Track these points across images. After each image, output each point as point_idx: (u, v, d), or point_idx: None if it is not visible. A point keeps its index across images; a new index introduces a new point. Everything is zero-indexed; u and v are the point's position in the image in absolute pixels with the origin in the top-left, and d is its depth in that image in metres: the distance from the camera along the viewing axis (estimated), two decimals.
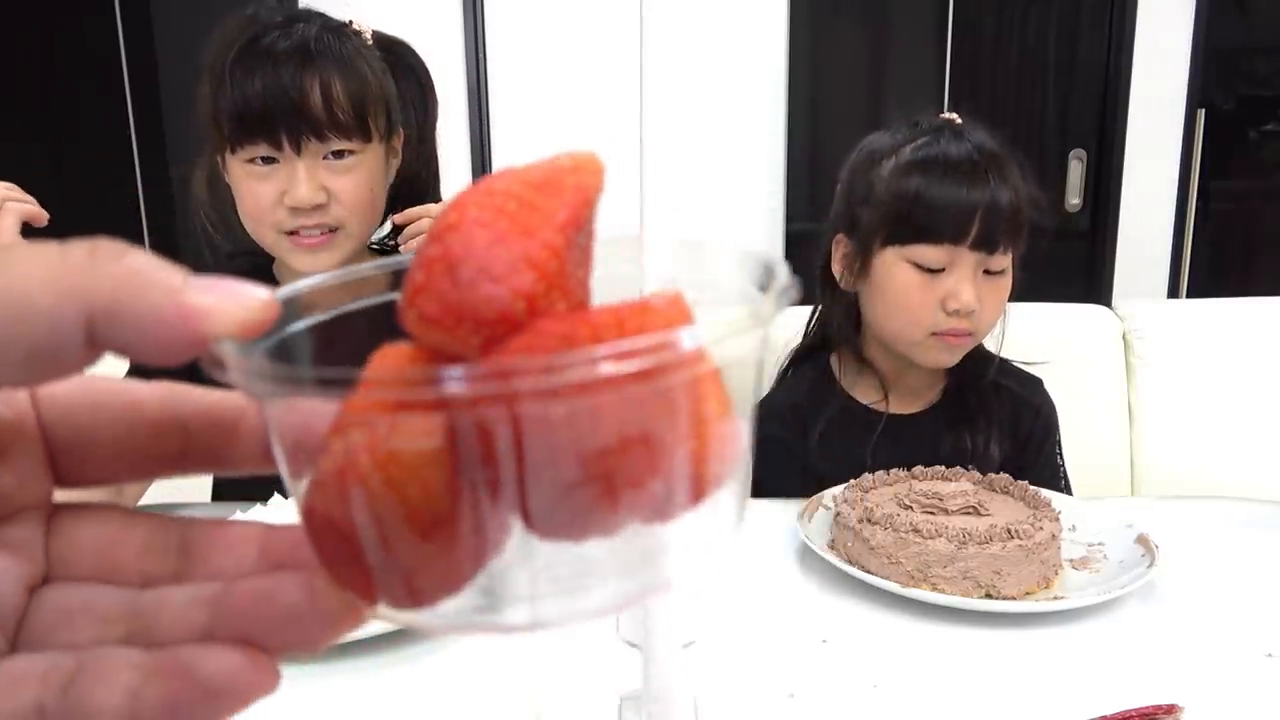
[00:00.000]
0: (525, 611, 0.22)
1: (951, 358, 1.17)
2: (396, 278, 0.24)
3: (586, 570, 0.22)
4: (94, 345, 0.20)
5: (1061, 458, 1.27)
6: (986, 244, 1.10)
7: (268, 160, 1.05)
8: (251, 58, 1.03)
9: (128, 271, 0.20)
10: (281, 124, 1.02)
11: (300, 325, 0.23)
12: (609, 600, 0.22)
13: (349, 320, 0.24)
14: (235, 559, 0.23)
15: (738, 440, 0.22)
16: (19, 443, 0.23)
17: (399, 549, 0.20)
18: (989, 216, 1.09)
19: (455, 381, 0.18)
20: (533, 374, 0.18)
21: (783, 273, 0.23)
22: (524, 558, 0.21)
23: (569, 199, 0.21)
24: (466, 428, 0.19)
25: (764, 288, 0.23)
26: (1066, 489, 1.25)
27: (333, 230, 1.08)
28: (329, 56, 1.05)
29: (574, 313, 0.21)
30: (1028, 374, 1.29)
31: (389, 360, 0.21)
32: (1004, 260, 1.13)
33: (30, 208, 0.99)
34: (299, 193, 1.04)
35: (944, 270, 1.12)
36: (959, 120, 1.18)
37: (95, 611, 0.22)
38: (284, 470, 0.22)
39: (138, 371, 0.21)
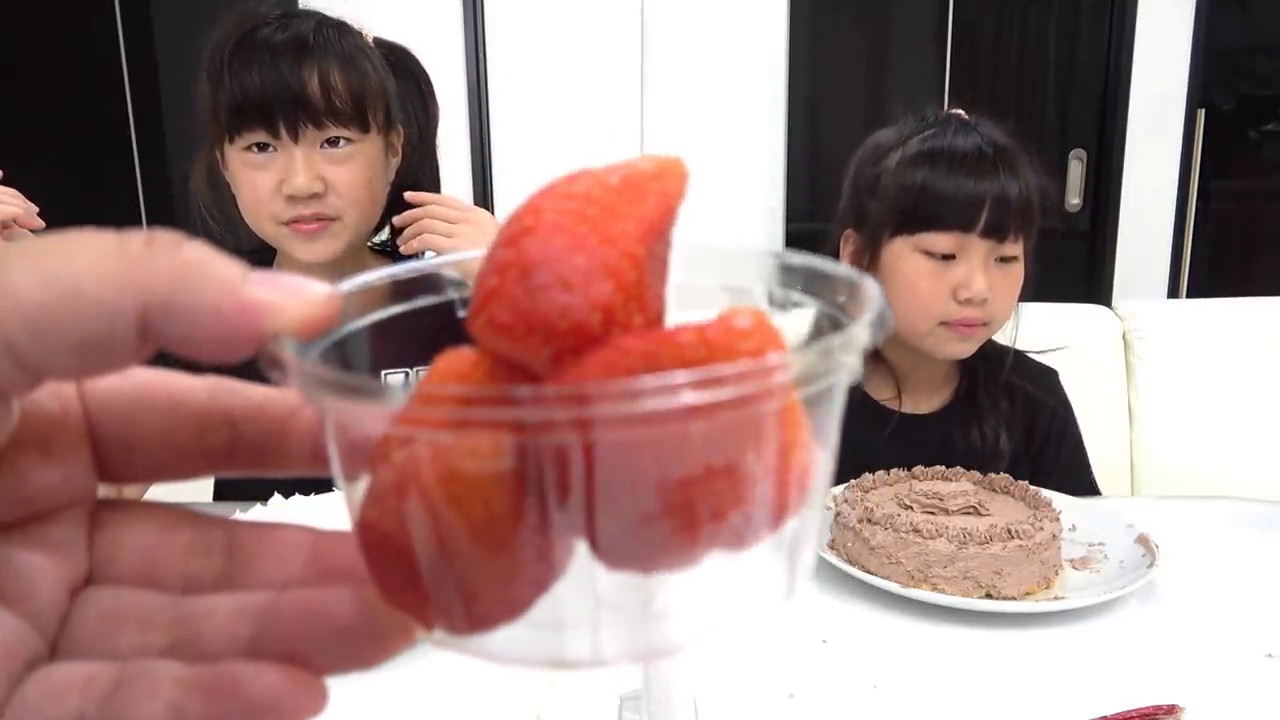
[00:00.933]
0: (587, 643, 0.20)
1: (965, 348, 1.15)
2: (450, 282, 0.23)
3: (653, 603, 0.20)
4: (147, 339, 0.20)
5: (1088, 461, 1.25)
6: (996, 231, 1.09)
7: (264, 148, 1.05)
8: (249, 50, 1.03)
9: (185, 264, 0.20)
10: (278, 110, 1.02)
11: (358, 324, 0.23)
12: (674, 637, 0.21)
13: (408, 320, 0.23)
14: (283, 566, 0.23)
15: (820, 470, 0.21)
16: (65, 437, 0.22)
17: (457, 570, 0.19)
18: (998, 206, 1.08)
19: (530, 403, 0.17)
20: (613, 399, 0.17)
21: (873, 293, 0.21)
22: (588, 586, 0.20)
23: (651, 205, 0.20)
24: (537, 450, 0.18)
25: (840, 305, 0.22)
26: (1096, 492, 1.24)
27: (330, 220, 1.08)
28: (327, 49, 1.05)
29: (655, 330, 0.19)
30: (1042, 366, 1.27)
31: (454, 367, 0.20)
32: (1015, 247, 1.11)
33: (14, 209, 0.98)
34: (296, 180, 1.04)
35: (954, 258, 1.10)
36: (966, 115, 1.17)
37: (139, 618, 0.22)
38: (337, 475, 0.21)
39: (187, 367, 0.21)
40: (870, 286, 0.22)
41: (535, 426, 0.17)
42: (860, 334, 0.20)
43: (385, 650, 0.21)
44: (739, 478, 0.18)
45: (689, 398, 0.17)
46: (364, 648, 0.21)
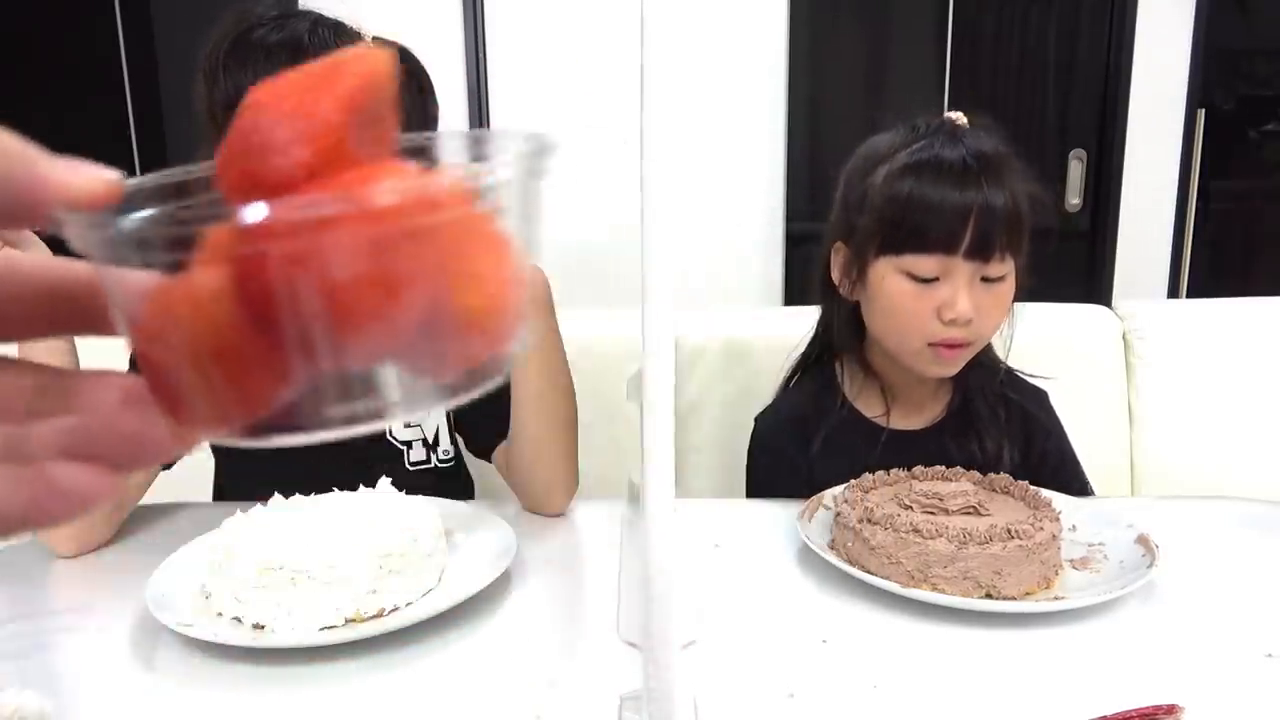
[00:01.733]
0: (338, 413, 0.26)
1: (948, 369, 1.14)
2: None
3: (375, 380, 0.26)
4: None
5: (1084, 473, 1.25)
6: (981, 251, 1.07)
7: None
8: (244, 50, 1.04)
9: None
10: None
11: (146, 212, 0.26)
12: (402, 407, 0.26)
13: (187, 212, 0.27)
14: (103, 399, 0.27)
15: (500, 274, 0.25)
16: None
17: (200, 377, 0.24)
18: (983, 222, 1.06)
19: (223, 229, 0.22)
20: (276, 216, 0.22)
21: (546, 142, 0.27)
22: (311, 378, 0.24)
23: (351, 83, 0.25)
24: (244, 270, 0.23)
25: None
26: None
27: None
28: (322, 49, 1.05)
29: (340, 175, 0.24)
30: (1033, 386, 1.26)
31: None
32: (1002, 267, 1.09)
33: None
34: None
35: (938, 279, 1.08)
36: (963, 121, 1.15)
37: None
38: (120, 324, 0.26)
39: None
40: (536, 140, 0.27)
41: (237, 248, 0.22)
42: (507, 161, 0.26)
43: (165, 451, 0.27)
44: (393, 282, 0.23)
45: (329, 209, 0.22)
46: (148, 449, 0.27)
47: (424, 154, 0.29)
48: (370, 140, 0.25)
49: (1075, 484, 1.22)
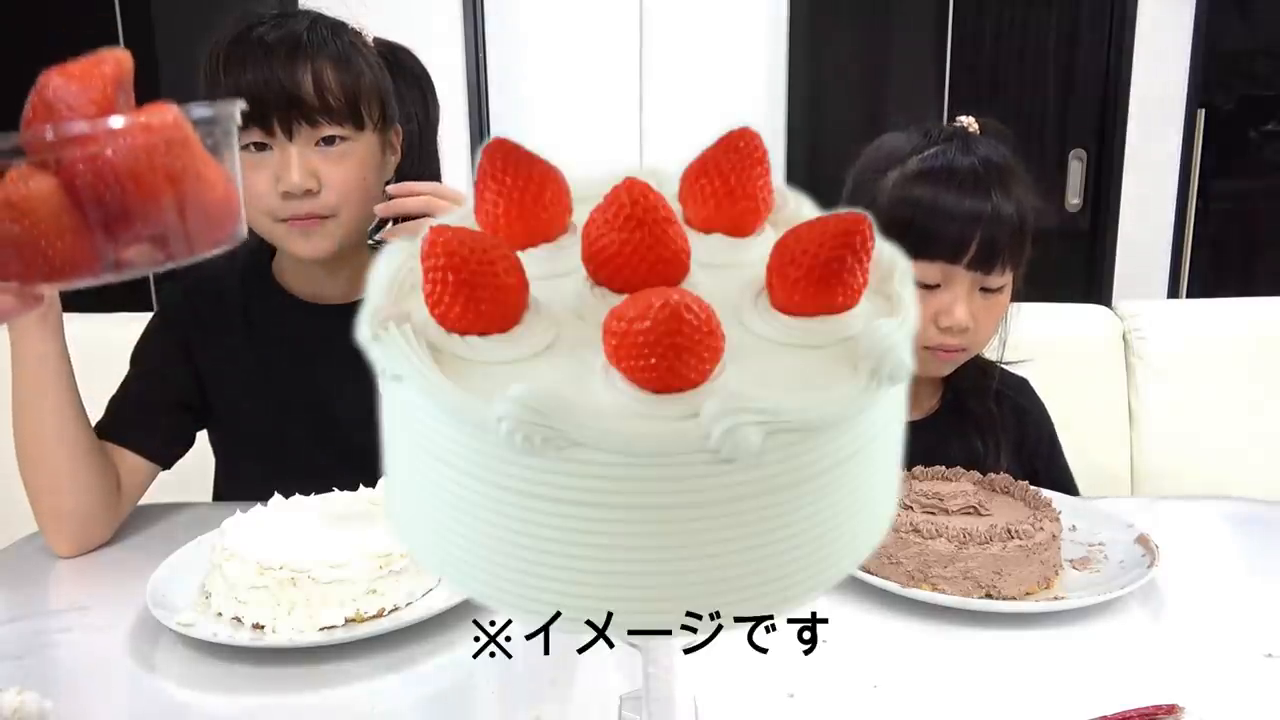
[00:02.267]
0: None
1: (942, 370, 1.17)
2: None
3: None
4: None
5: (1068, 465, 1.27)
6: (984, 262, 1.08)
7: (261, 147, 1.06)
8: (244, 48, 1.04)
9: None
10: (273, 109, 1.04)
11: None
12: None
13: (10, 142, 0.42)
14: None
15: (222, 180, 0.44)
16: None
17: (39, 247, 0.39)
18: (989, 233, 1.07)
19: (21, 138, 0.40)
20: (63, 131, 0.39)
21: (234, 110, 0.47)
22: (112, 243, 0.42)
23: (109, 70, 0.41)
24: (64, 168, 0.38)
25: None
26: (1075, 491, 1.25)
27: (324, 217, 1.08)
28: (320, 47, 1.06)
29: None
30: (1017, 377, 1.29)
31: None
32: (1002, 279, 1.11)
33: None
34: (290, 178, 1.05)
35: (939, 286, 1.10)
36: (974, 127, 1.16)
37: None
38: None
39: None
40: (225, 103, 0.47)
41: (61, 152, 0.39)
42: (204, 107, 0.45)
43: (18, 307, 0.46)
44: (143, 179, 0.39)
45: (79, 128, 0.40)
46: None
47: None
48: (124, 103, 0.42)
49: (1061, 473, 1.24)
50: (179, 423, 1.17)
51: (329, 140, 1.07)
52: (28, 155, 0.37)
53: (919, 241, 1.08)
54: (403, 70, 1.20)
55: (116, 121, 0.37)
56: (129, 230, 0.38)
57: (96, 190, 0.36)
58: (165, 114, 0.39)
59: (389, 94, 1.14)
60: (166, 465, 1.15)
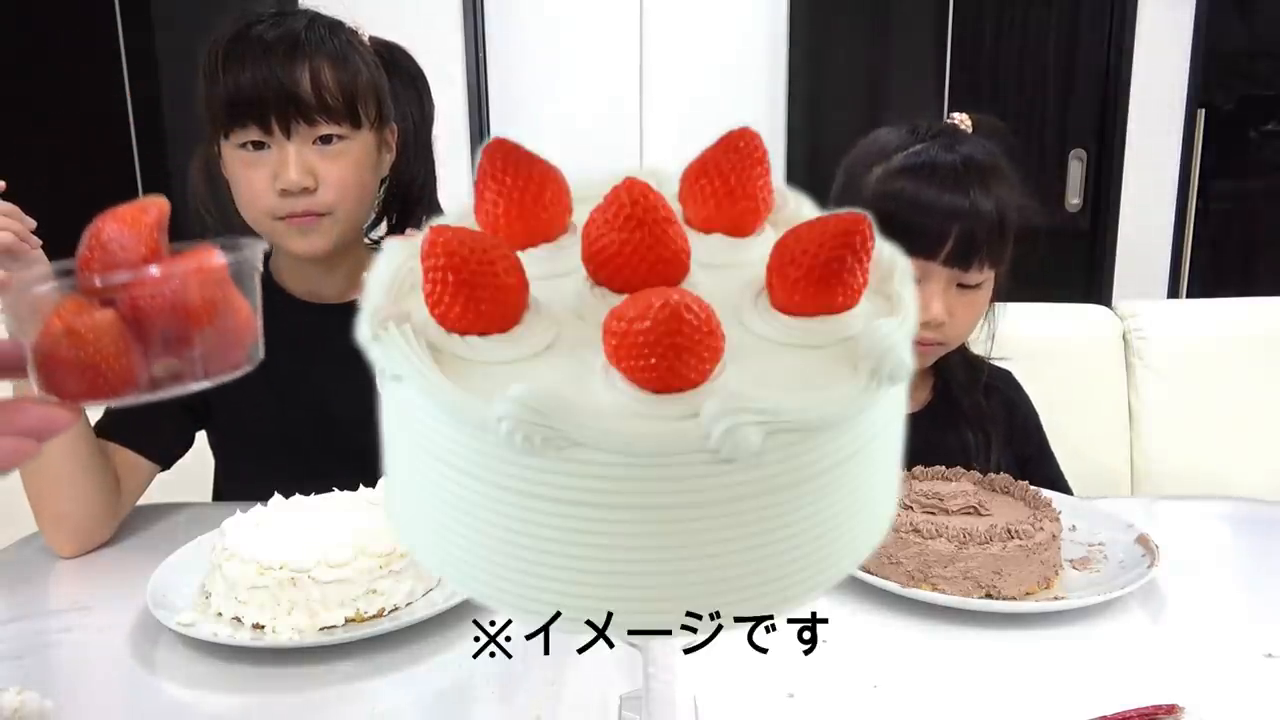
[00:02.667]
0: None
1: (920, 363, 1.15)
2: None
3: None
4: None
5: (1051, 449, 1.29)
6: (961, 259, 1.08)
7: (259, 145, 1.07)
8: (242, 47, 1.05)
9: None
10: (271, 107, 1.04)
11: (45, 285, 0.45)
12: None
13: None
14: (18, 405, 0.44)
15: (245, 311, 0.48)
16: None
17: (94, 368, 0.44)
18: (966, 230, 1.07)
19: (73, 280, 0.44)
20: (115, 278, 0.44)
21: (259, 250, 0.49)
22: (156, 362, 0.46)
23: (152, 214, 0.46)
24: (125, 304, 0.44)
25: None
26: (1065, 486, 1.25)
27: (321, 215, 1.09)
28: (318, 46, 1.07)
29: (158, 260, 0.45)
30: (1003, 370, 1.30)
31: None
32: (980, 275, 1.11)
33: (8, 236, 0.90)
34: (288, 175, 1.06)
35: (917, 281, 1.10)
36: (966, 124, 1.16)
37: None
38: (28, 354, 0.44)
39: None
40: (251, 245, 0.49)
41: (126, 293, 0.44)
42: (236, 250, 0.47)
43: (65, 422, 0.45)
44: (185, 312, 0.45)
45: (141, 274, 0.44)
46: (54, 423, 0.44)
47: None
48: (162, 241, 0.46)
49: (1049, 464, 1.26)
50: (178, 423, 1.18)
51: (326, 139, 1.08)
52: (102, 294, 0.43)
53: (898, 235, 1.08)
54: (398, 69, 1.21)
55: (178, 267, 0.44)
56: (169, 354, 0.45)
57: (152, 322, 0.43)
58: (212, 257, 0.45)
59: (385, 93, 1.15)
60: (166, 465, 1.15)
